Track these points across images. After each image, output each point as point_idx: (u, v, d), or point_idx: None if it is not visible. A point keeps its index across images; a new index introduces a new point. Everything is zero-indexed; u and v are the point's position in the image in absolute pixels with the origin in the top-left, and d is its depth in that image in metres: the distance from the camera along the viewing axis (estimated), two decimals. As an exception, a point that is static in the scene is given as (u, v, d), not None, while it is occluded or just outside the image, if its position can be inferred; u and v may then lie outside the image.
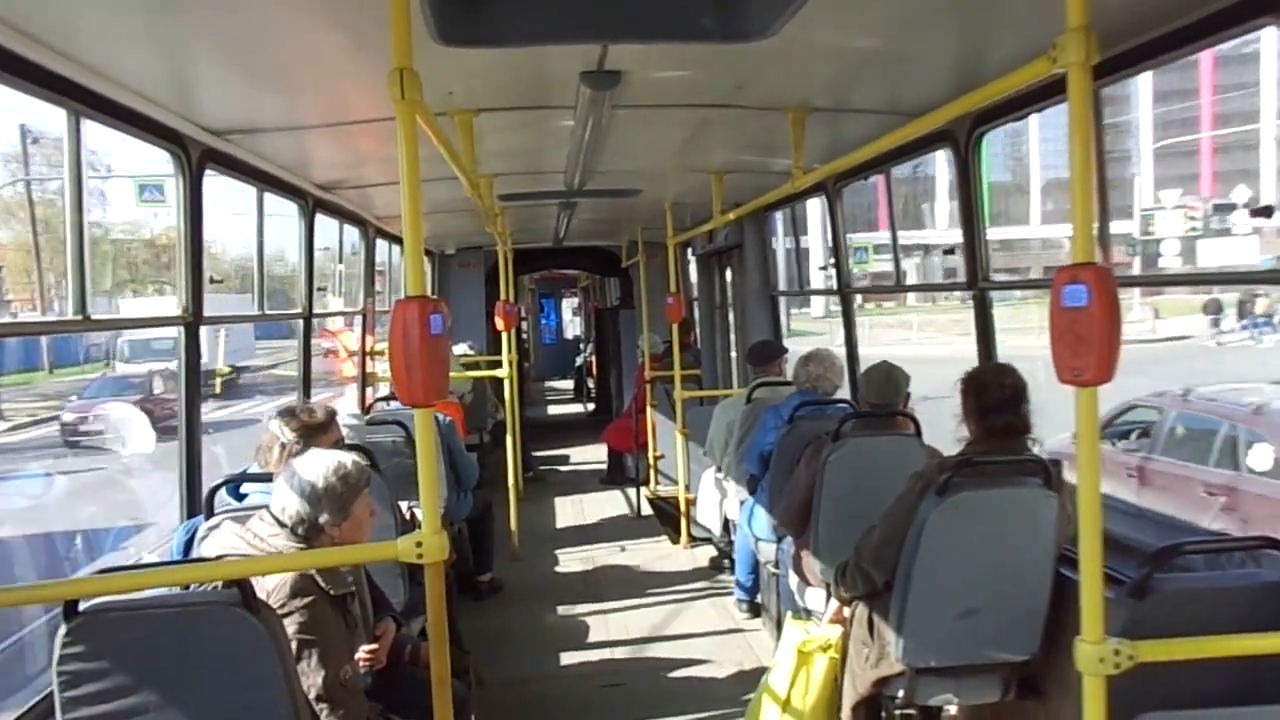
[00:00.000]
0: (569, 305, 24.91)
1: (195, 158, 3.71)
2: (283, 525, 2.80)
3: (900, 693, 3.35)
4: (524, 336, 18.05)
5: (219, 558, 2.71)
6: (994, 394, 3.33)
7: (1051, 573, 3.22)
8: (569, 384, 20.81)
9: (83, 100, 2.86)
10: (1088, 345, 1.93)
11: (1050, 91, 3.18)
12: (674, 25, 2.78)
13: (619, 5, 2.75)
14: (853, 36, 3.07)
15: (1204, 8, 2.49)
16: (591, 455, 11.26)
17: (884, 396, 4.40)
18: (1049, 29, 2.10)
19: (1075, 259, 1.97)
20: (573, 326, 24.95)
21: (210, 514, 3.20)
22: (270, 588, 2.65)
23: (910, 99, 3.84)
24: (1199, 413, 9.73)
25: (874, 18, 2.88)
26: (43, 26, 2.49)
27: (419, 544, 2.21)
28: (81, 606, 2.27)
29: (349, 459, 2.94)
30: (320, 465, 2.86)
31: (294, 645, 2.61)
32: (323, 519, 2.81)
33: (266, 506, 2.88)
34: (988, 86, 2.84)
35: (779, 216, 7.82)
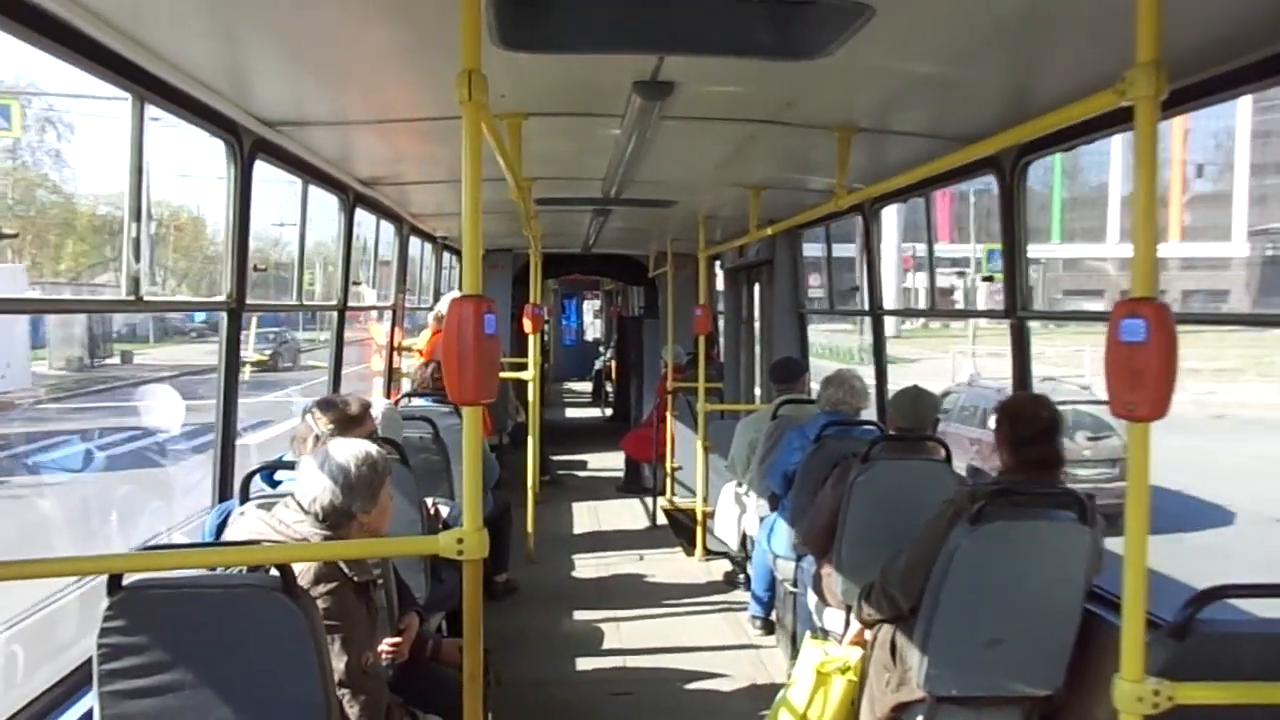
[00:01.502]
0: (590, 307, 24.99)
1: (247, 147, 3.75)
2: (307, 512, 2.83)
3: (919, 720, 3.33)
4: (545, 338, 18.12)
5: (246, 542, 2.73)
6: (1029, 425, 3.31)
7: (1080, 608, 3.20)
8: (587, 386, 20.82)
9: (147, 85, 2.91)
10: (1143, 380, 1.92)
11: (1101, 124, 3.16)
12: (732, 39, 2.80)
13: (678, 17, 2.77)
14: (907, 61, 3.07)
15: (1274, 45, 2.47)
16: (609, 462, 11.26)
17: (912, 420, 4.39)
18: (1111, 61, 2.10)
19: (1134, 293, 1.96)
20: (593, 329, 25.01)
21: (245, 499, 3.23)
22: (295, 573, 2.67)
23: (958, 125, 3.84)
24: (974, 395, 15.60)
25: (931, 43, 2.88)
26: (114, 11, 2.53)
27: (460, 540, 2.23)
28: (125, 581, 2.31)
29: (373, 446, 2.98)
30: (349, 454, 2.88)
31: None
32: (355, 507, 2.84)
33: (292, 494, 2.91)
34: (1044, 118, 2.84)
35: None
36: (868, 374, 5.66)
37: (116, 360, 27.02)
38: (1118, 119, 2.84)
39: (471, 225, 2.21)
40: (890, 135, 4.17)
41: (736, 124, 4.09)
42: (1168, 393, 1.92)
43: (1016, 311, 4.04)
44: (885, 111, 3.81)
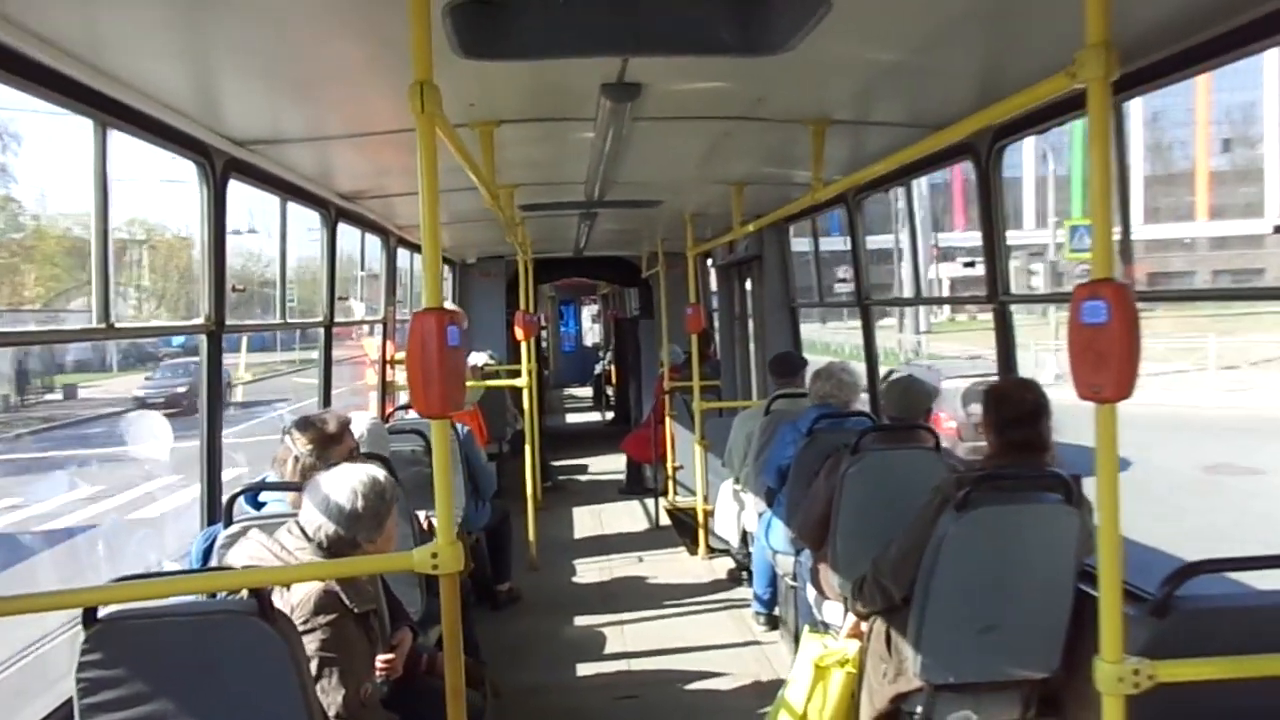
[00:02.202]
0: (588, 312, 25.00)
1: (220, 168, 3.74)
2: (311, 539, 2.81)
3: (918, 709, 3.30)
4: (543, 344, 18.11)
5: (219, 568, 2.72)
6: (1014, 408, 3.30)
7: (1072, 589, 3.18)
8: (588, 391, 20.83)
9: (110, 111, 2.90)
10: (1106, 362, 1.91)
11: (1074, 105, 3.16)
12: (694, 38, 2.80)
13: (639, 19, 2.77)
14: (873, 50, 3.07)
15: (1228, 21, 2.46)
16: (610, 465, 11.26)
17: (903, 410, 4.39)
18: (1071, 43, 2.09)
19: (1094, 274, 1.95)
20: (592, 334, 25.02)
21: (229, 522, 3.22)
22: (295, 602, 2.65)
23: (931, 112, 3.83)
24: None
25: (894, 31, 2.87)
26: (72, 39, 2.53)
27: (434, 554, 2.22)
28: (100, 613, 2.29)
29: (380, 473, 2.95)
30: (355, 483, 2.85)
31: (315, 662, 2.61)
32: (360, 536, 2.82)
33: (294, 517, 2.89)
34: (1008, 101, 2.83)
35: (837, 216, 7.58)
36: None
37: (58, 395, 24.42)
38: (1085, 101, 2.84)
39: (430, 236, 2.21)
40: (865, 126, 4.17)
41: (709, 122, 4.08)
42: (1132, 374, 1.91)
43: (998, 296, 4.03)
44: (856, 102, 3.80)
